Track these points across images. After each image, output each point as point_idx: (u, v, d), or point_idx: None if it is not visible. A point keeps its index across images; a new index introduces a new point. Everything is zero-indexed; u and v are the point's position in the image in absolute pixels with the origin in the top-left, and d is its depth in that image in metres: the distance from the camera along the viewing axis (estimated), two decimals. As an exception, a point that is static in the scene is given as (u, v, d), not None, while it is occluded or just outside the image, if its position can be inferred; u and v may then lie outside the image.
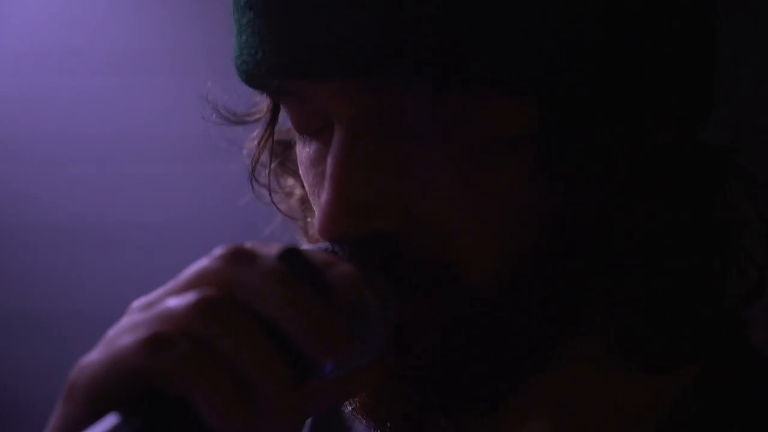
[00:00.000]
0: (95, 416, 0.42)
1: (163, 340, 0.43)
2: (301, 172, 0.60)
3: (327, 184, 0.54)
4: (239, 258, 0.47)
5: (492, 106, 0.53)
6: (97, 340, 0.46)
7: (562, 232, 0.55)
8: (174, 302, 0.45)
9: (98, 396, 0.43)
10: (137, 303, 0.47)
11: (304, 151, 0.59)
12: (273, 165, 0.67)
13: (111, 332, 0.46)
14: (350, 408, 0.58)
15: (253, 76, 0.56)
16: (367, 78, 0.53)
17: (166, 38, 1.95)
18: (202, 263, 0.47)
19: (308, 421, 0.73)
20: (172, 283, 0.47)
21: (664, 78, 0.55)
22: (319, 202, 0.55)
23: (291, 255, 0.48)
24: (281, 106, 0.61)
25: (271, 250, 0.48)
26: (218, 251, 0.47)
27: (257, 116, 0.67)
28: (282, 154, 0.68)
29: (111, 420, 0.42)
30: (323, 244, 0.54)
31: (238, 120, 0.68)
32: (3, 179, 2.01)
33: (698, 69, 0.57)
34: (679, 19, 0.56)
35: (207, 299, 0.45)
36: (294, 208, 0.70)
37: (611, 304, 0.57)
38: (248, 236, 0.56)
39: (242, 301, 0.45)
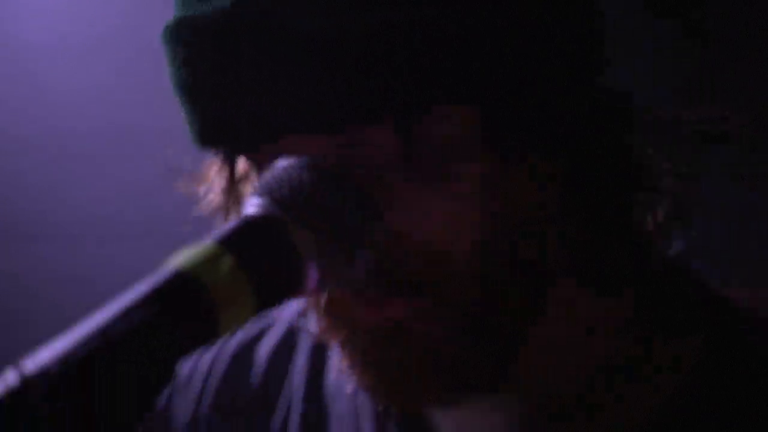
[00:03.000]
0: None
1: None
2: None
3: None
4: None
5: (443, 124, 0.58)
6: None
7: (526, 206, 0.60)
8: None
9: None
10: None
11: None
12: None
13: None
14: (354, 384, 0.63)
15: (204, 144, 0.60)
16: (326, 131, 0.57)
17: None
18: None
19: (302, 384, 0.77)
20: None
21: (567, 60, 0.61)
22: None
23: None
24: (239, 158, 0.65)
25: None
26: None
27: (213, 171, 0.70)
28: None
29: None
30: None
31: (198, 180, 0.70)
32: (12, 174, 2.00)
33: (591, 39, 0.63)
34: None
35: None
36: None
37: (572, 248, 0.63)
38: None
39: None
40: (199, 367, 0.81)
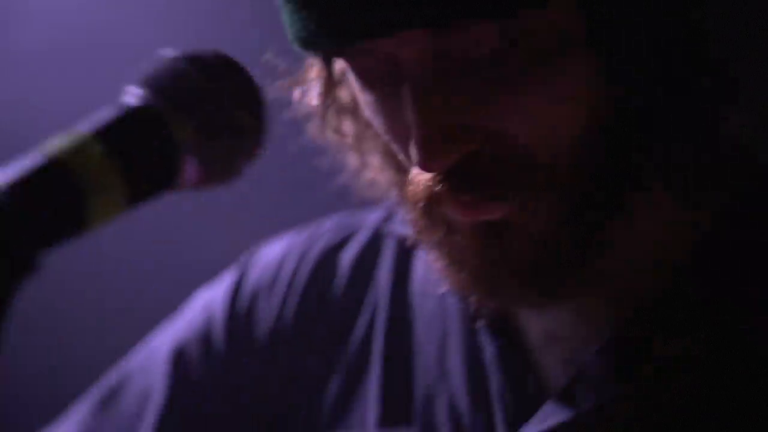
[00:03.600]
0: None
1: None
2: (368, 114, 0.66)
3: (414, 121, 0.61)
4: None
5: (544, 21, 0.59)
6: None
7: (617, 111, 0.62)
8: None
9: None
10: None
11: (367, 95, 0.65)
12: (331, 112, 0.72)
13: None
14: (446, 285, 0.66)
15: (308, 43, 0.61)
16: (428, 26, 0.59)
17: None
18: None
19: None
20: None
21: None
22: (412, 139, 0.61)
23: None
24: (336, 60, 0.67)
25: None
26: None
27: (311, 74, 0.71)
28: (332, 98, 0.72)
29: None
30: None
31: (294, 82, 0.72)
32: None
33: None
34: None
35: None
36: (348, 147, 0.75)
37: (662, 159, 0.64)
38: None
39: None
40: (282, 274, 0.82)
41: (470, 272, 0.65)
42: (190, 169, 0.52)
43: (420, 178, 0.64)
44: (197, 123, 0.52)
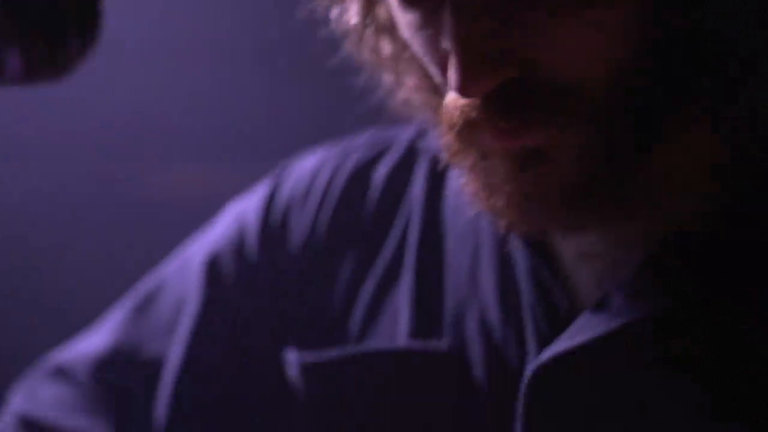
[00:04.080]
0: None
1: None
2: (406, 36, 0.67)
3: (454, 45, 0.61)
4: None
5: None
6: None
7: (659, 45, 0.62)
8: None
9: None
10: None
11: (406, 17, 0.65)
12: (370, 29, 0.71)
13: None
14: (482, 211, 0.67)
15: None
16: None
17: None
18: None
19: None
20: None
21: None
22: (451, 63, 0.61)
23: None
24: None
25: None
26: None
27: None
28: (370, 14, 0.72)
29: None
30: None
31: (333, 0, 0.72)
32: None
33: None
34: None
35: None
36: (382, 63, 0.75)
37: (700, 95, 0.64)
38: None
39: None
40: (315, 186, 0.83)
41: (502, 197, 0.65)
42: (11, 60, 0.50)
43: (456, 102, 0.64)
44: (11, 8, 0.50)
